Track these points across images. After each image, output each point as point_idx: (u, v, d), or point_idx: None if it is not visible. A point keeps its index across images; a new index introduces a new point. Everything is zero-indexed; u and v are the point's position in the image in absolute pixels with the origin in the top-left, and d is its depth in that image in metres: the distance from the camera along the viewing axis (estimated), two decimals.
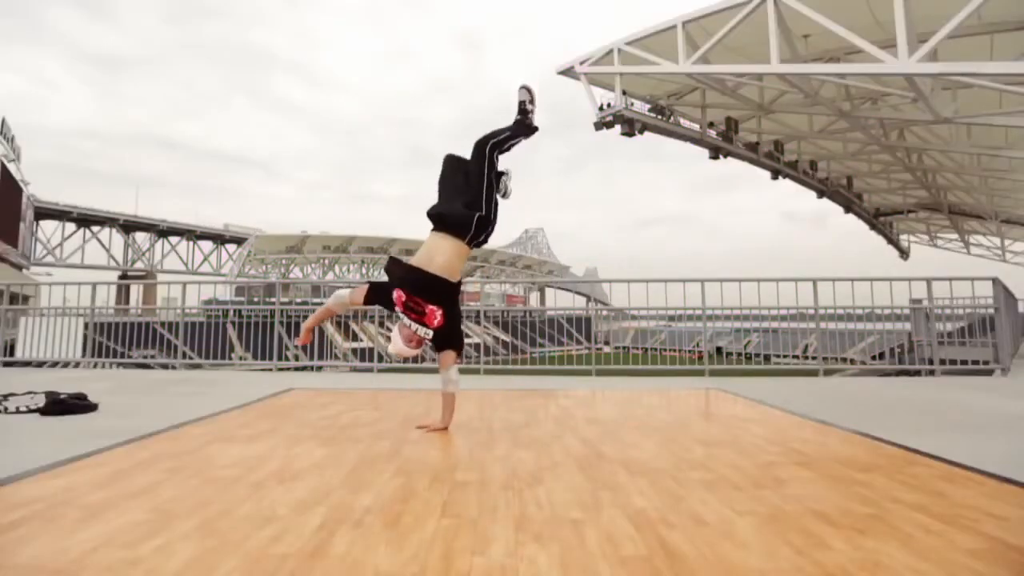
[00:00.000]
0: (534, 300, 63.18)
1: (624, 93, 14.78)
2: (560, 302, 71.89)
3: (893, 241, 27.03)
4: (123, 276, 43.39)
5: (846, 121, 14.74)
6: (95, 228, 44.41)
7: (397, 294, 2.44)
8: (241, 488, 1.66)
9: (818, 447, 2.28)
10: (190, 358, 7.37)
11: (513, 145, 2.63)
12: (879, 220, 24.88)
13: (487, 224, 2.49)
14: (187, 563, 1.13)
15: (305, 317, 2.74)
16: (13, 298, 8.57)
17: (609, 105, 15.19)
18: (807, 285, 6.10)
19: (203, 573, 1.09)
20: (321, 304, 2.74)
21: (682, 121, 16.71)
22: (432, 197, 2.67)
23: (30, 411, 3.02)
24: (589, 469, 1.91)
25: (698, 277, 6.15)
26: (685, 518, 1.42)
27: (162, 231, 47.59)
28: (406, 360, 2.78)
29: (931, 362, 5.88)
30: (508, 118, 2.72)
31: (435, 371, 2.93)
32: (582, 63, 14.30)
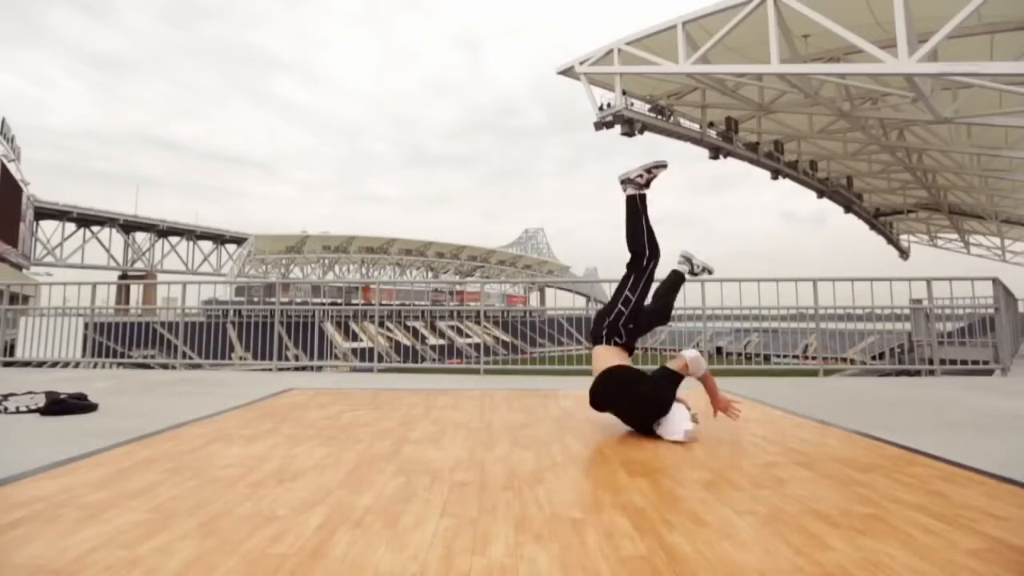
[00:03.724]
0: (534, 300, 63.25)
1: (624, 93, 14.79)
2: (560, 302, 71.90)
3: (893, 241, 27.05)
4: (123, 276, 43.41)
5: (846, 121, 14.75)
6: (95, 228, 44.44)
7: None
8: (241, 488, 1.66)
9: (818, 447, 2.27)
10: (190, 358, 7.37)
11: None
12: (879, 220, 24.89)
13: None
14: (187, 563, 1.13)
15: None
16: (13, 298, 8.56)
17: (609, 105, 15.19)
18: (807, 285, 6.09)
19: (203, 573, 1.09)
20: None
21: (682, 121, 16.72)
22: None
23: (30, 411, 3.02)
24: (589, 469, 1.91)
25: (698, 277, 6.14)
26: (685, 518, 1.42)
27: (162, 231, 47.62)
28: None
29: (931, 362, 5.88)
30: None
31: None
32: (582, 63, 14.30)
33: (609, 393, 2.55)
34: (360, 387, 4.48)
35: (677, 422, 2.33)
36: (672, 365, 2.46)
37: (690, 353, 2.45)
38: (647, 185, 2.70)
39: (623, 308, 2.65)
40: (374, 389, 4.25)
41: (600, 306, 2.89)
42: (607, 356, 2.64)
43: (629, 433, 2.55)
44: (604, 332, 2.67)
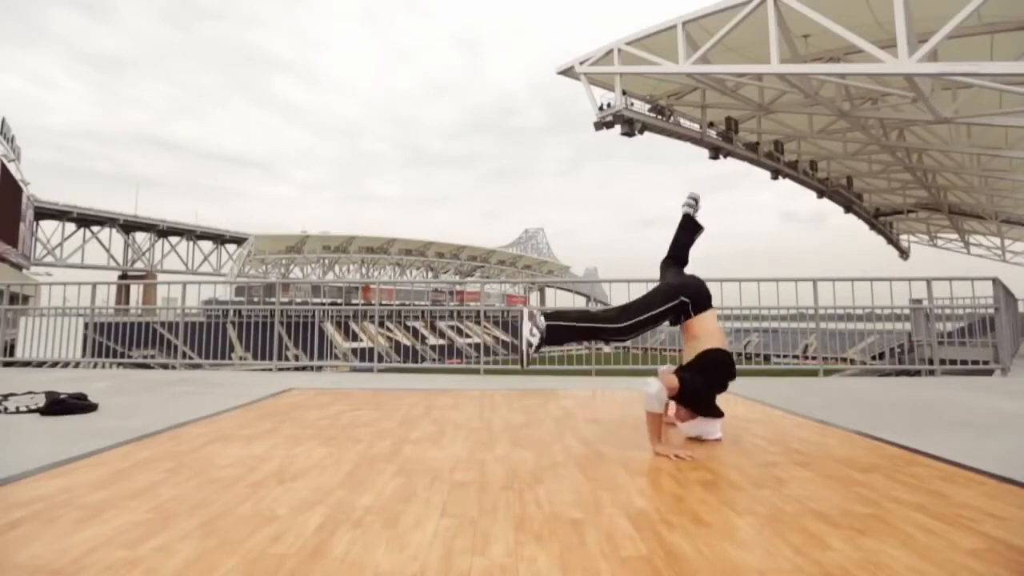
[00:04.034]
0: (534, 300, 63.21)
1: (624, 93, 14.79)
2: (560, 302, 71.81)
3: (893, 241, 27.05)
4: (123, 276, 43.39)
5: (846, 121, 14.75)
6: (95, 228, 44.41)
7: None
8: (241, 488, 1.66)
9: (818, 447, 2.27)
10: (190, 358, 7.37)
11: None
12: (879, 220, 24.89)
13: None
14: (187, 563, 1.13)
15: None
16: (13, 298, 8.56)
17: (609, 105, 15.20)
18: (807, 285, 6.09)
19: (203, 573, 1.09)
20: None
21: (682, 121, 16.73)
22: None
23: (30, 411, 3.02)
24: (589, 469, 1.91)
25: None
26: (685, 518, 1.42)
27: (162, 231, 47.59)
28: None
29: (931, 362, 5.88)
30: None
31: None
32: (582, 63, 14.31)
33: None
34: (360, 387, 4.48)
35: (715, 422, 2.34)
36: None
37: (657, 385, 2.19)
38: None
39: None
40: (374, 389, 4.25)
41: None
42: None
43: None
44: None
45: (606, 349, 8.36)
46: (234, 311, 13.56)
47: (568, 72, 14.69)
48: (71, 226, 43.12)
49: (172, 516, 1.40)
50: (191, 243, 49.50)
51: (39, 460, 1.93)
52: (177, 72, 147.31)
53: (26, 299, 13.02)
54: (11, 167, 29.11)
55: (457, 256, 58.98)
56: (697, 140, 16.77)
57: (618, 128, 15.48)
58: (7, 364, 6.76)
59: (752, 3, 10.68)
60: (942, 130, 14.03)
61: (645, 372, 6.55)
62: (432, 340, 46.73)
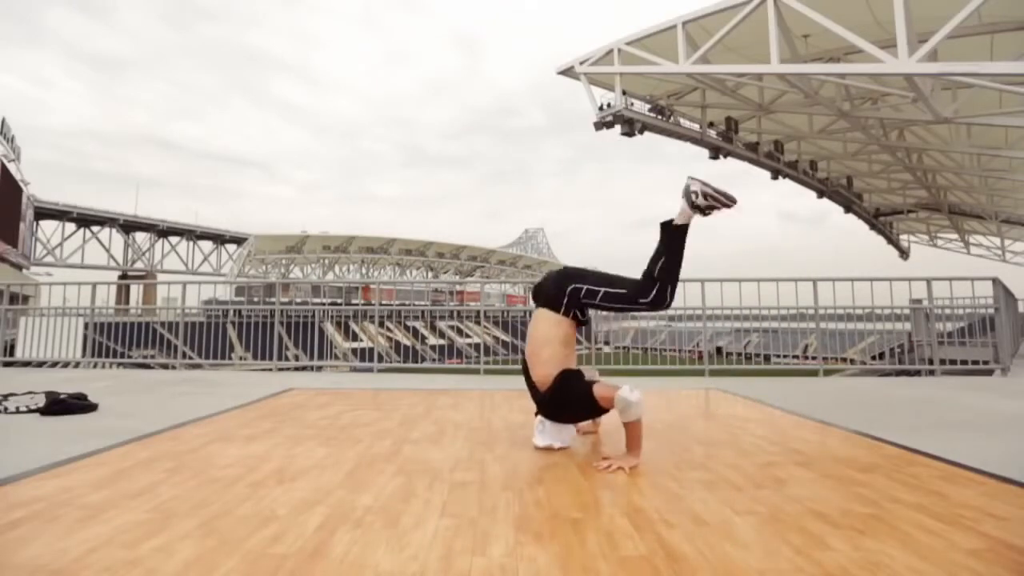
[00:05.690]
0: None
1: (624, 93, 14.78)
2: None
3: (893, 241, 27.04)
4: (123, 276, 43.36)
5: (846, 121, 14.74)
6: (95, 228, 44.37)
7: None
8: (241, 488, 1.66)
9: (818, 447, 2.27)
10: (190, 358, 7.37)
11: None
12: (879, 220, 24.88)
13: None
14: (187, 563, 1.13)
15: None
16: (13, 298, 8.56)
17: (609, 105, 15.19)
18: (807, 285, 6.09)
19: (203, 573, 1.09)
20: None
21: (682, 121, 16.72)
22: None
23: (30, 411, 3.02)
24: (589, 469, 1.91)
25: (698, 277, 6.14)
26: (685, 518, 1.42)
27: (162, 231, 47.56)
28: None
29: (931, 362, 5.88)
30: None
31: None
32: (582, 63, 14.30)
33: None
34: (360, 387, 4.48)
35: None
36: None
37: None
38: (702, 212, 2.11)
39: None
40: (374, 389, 4.25)
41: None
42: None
43: None
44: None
45: (606, 349, 8.36)
46: (234, 311, 13.56)
47: (568, 72, 14.69)
48: (71, 226, 43.08)
49: (172, 516, 1.40)
50: (191, 243, 49.46)
51: (39, 460, 1.93)
52: (176, 72, 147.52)
53: (26, 299, 13.01)
54: (11, 167, 29.09)
55: (457, 256, 58.95)
56: (697, 140, 16.76)
57: (618, 128, 15.46)
58: (7, 364, 6.76)
59: (752, 3, 10.67)
60: (942, 130, 14.03)
61: (645, 372, 6.55)
62: (432, 340, 46.72)
